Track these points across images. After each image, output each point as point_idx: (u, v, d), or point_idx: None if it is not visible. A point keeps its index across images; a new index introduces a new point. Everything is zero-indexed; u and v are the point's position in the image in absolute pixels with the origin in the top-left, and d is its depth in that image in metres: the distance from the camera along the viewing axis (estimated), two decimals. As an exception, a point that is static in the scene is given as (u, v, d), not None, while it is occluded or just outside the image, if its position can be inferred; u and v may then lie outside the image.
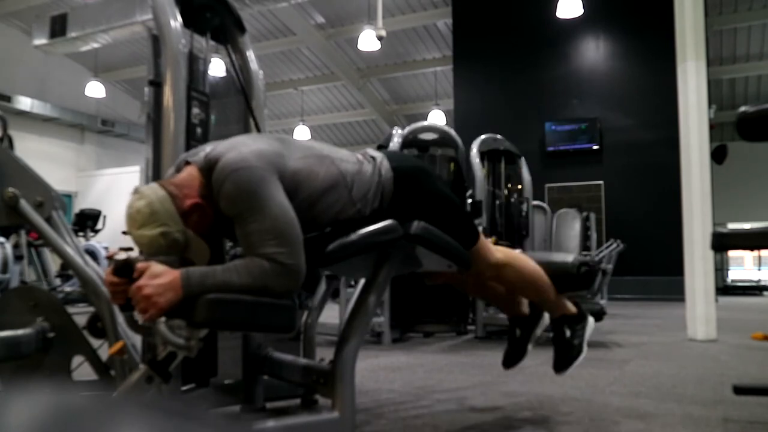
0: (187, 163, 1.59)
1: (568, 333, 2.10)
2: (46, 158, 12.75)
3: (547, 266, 2.06)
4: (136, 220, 1.45)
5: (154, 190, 1.49)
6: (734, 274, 16.99)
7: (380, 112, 15.31)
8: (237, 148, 1.51)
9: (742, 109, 2.02)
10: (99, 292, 1.75)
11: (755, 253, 15.87)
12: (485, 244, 1.91)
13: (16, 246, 5.85)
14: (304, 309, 2.31)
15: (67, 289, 6.06)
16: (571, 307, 2.11)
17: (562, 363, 2.09)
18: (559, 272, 2.08)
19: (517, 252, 2.09)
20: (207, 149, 1.58)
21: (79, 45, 10.79)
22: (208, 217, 1.53)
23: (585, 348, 2.08)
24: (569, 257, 2.18)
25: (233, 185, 1.45)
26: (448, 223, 1.73)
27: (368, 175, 1.69)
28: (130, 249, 1.51)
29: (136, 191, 1.49)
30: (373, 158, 1.74)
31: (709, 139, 4.63)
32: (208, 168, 1.51)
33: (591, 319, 2.16)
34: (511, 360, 2.23)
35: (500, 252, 1.96)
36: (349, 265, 1.77)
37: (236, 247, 1.81)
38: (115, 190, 12.35)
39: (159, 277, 1.37)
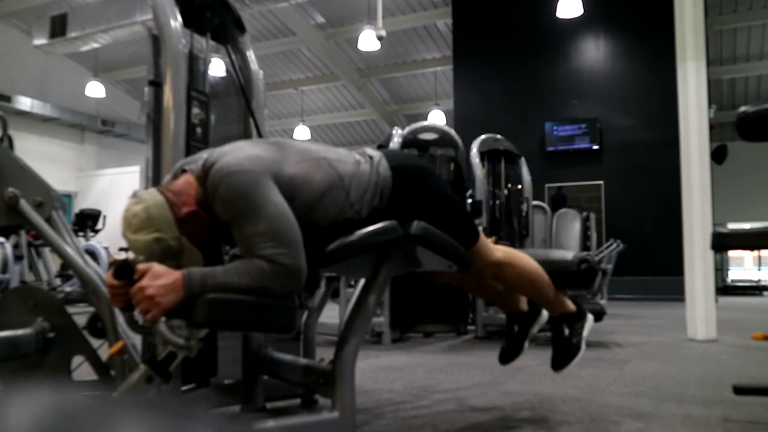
0: (184, 171, 1.59)
1: (566, 331, 2.10)
2: (46, 158, 12.74)
3: (547, 264, 2.05)
4: (132, 224, 1.46)
5: (153, 195, 1.50)
6: (734, 274, 16.99)
7: (380, 112, 15.31)
8: (232, 153, 1.52)
9: (742, 109, 2.02)
10: (99, 293, 1.75)
11: (755, 253, 15.87)
12: (485, 243, 1.91)
13: (16, 246, 5.85)
14: (304, 309, 2.31)
15: (67, 289, 6.05)
16: (570, 305, 2.11)
17: (560, 361, 2.10)
18: (558, 270, 2.08)
19: (516, 251, 2.08)
20: (204, 156, 1.58)
21: (79, 45, 10.79)
22: (204, 225, 1.53)
23: (583, 346, 2.08)
24: (569, 254, 2.18)
25: (228, 188, 1.45)
26: (449, 222, 1.73)
27: (366, 175, 1.68)
28: (129, 249, 1.51)
29: (134, 195, 1.51)
30: (371, 157, 1.74)
31: (709, 139, 4.63)
32: (205, 175, 1.51)
33: (590, 317, 2.15)
34: (507, 356, 2.23)
35: (500, 251, 1.96)
36: (349, 265, 1.76)
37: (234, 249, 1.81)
38: (115, 190, 12.34)
39: (161, 278, 1.38)
